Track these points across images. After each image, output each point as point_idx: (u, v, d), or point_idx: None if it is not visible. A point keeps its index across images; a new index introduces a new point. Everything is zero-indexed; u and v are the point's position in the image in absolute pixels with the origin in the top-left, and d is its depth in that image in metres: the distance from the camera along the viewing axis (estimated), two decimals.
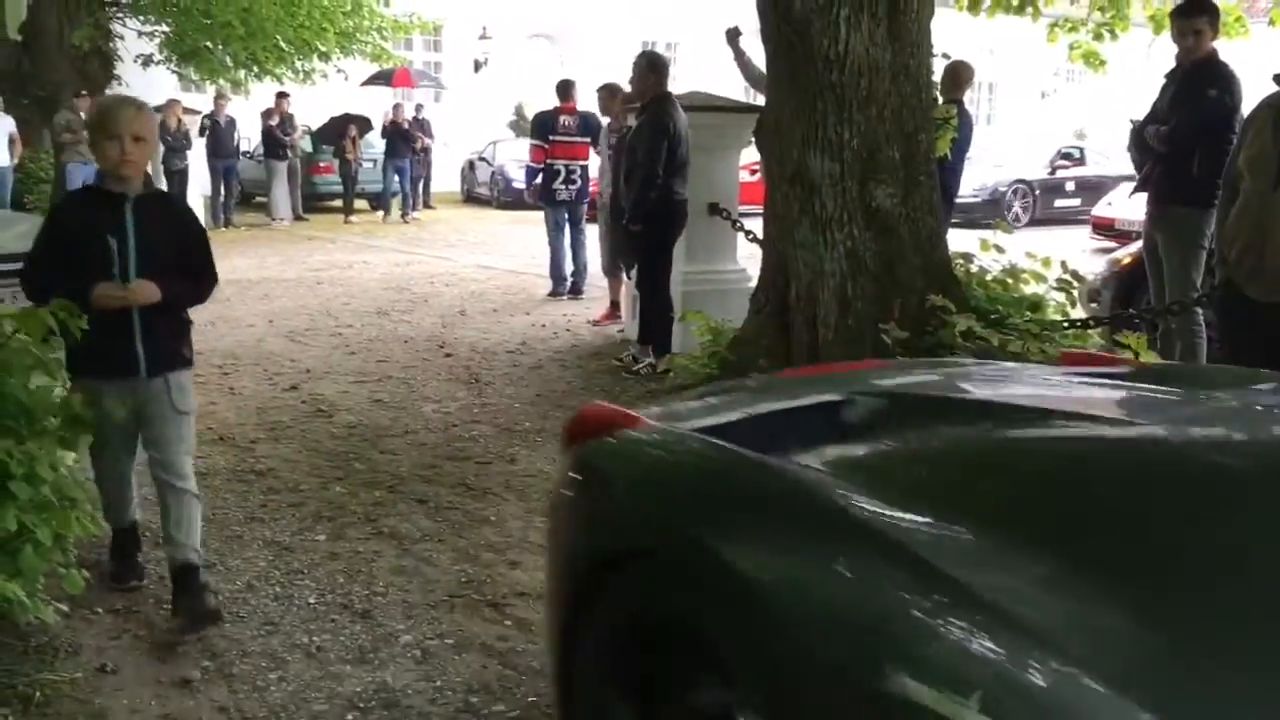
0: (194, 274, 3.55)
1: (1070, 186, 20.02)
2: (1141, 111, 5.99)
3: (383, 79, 20.78)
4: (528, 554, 4.08)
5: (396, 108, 18.86)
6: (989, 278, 5.92)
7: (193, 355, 3.65)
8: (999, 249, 5.95)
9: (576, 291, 10.16)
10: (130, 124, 3.33)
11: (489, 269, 12.47)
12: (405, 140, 18.45)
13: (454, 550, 4.12)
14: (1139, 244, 7.32)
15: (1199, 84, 5.53)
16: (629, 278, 7.87)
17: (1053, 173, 20.05)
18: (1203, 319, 5.63)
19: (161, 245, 3.43)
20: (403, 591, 3.75)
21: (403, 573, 3.90)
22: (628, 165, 7.09)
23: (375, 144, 19.24)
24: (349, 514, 4.48)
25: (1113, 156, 20.86)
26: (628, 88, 7.96)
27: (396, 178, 18.52)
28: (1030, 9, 8.19)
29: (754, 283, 6.42)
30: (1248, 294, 3.91)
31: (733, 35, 7.94)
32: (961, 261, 5.94)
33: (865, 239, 5.43)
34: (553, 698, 2.37)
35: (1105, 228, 16.21)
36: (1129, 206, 14.59)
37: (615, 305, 8.78)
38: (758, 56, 7.01)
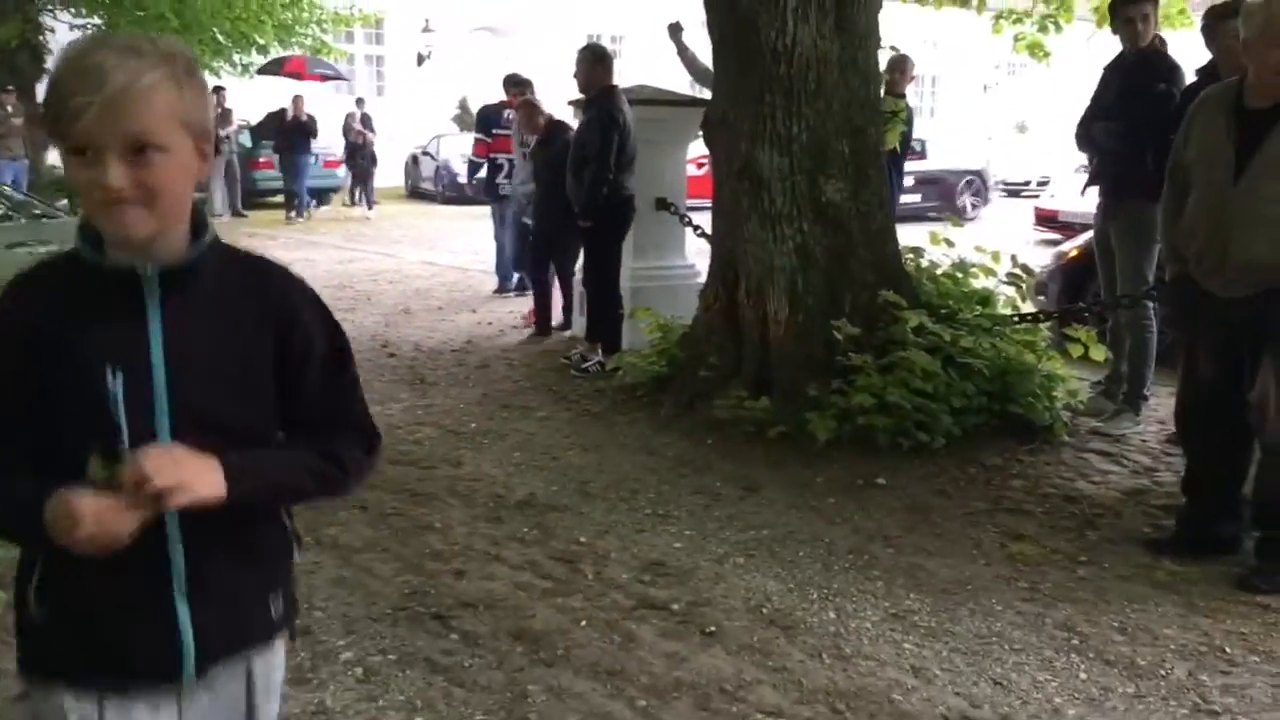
0: (319, 432, 1.63)
1: (909, 181, 19.44)
2: (1083, 102, 5.92)
3: (274, 67, 19.69)
4: (473, 562, 3.95)
5: (297, 100, 18.05)
6: (939, 272, 5.88)
7: (297, 608, 1.75)
8: (949, 243, 5.91)
9: (523, 288, 10.01)
10: (117, 121, 1.37)
11: (433, 265, 12.28)
12: (306, 135, 17.66)
13: (397, 560, 3.97)
14: (1085, 236, 7.32)
15: (1147, 77, 5.47)
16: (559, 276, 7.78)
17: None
18: (1153, 312, 5.61)
19: (227, 373, 1.52)
20: (344, 605, 3.60)
21: (343, 584, 3.75)
22: (575, 160, 6.96)
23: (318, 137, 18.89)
24: None
25: (957, 151, 20.50)
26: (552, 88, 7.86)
27: (308, 176, 17.57)
28: (976, 1, 8.18)
29: (703, 278, 6.33)
30: (1207, 289, 3.86)
31: (675, 30, 7.81)
32: (911, 256, 5.89)
33: (815, 234, 5.37)
34: None
35: (1048, 219, 16.34)
36: (1072, 198, 14.73)
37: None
38: (701, 50, 6.92)
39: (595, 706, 2.99)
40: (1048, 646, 3.40)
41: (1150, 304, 5.52)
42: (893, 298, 5.27)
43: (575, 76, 7.11)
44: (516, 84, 9.15)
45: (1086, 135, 5.82)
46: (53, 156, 18.56)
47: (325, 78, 20.78)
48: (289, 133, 17.73)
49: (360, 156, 18.79)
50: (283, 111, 18.81)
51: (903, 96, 7.49)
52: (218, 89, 17.60)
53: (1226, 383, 3.92)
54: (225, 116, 17.63)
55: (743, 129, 5.46)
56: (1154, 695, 3.13)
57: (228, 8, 16.08)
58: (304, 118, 17.83)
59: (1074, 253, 7.39)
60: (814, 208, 5.34)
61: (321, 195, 19.80)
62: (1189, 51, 6.01)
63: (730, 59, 5.57)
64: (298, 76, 19.82)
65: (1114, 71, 5.71)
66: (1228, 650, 3.38)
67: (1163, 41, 5.80)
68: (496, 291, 10.04)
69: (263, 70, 19.57)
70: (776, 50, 5.28)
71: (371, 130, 19.56)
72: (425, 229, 16.54)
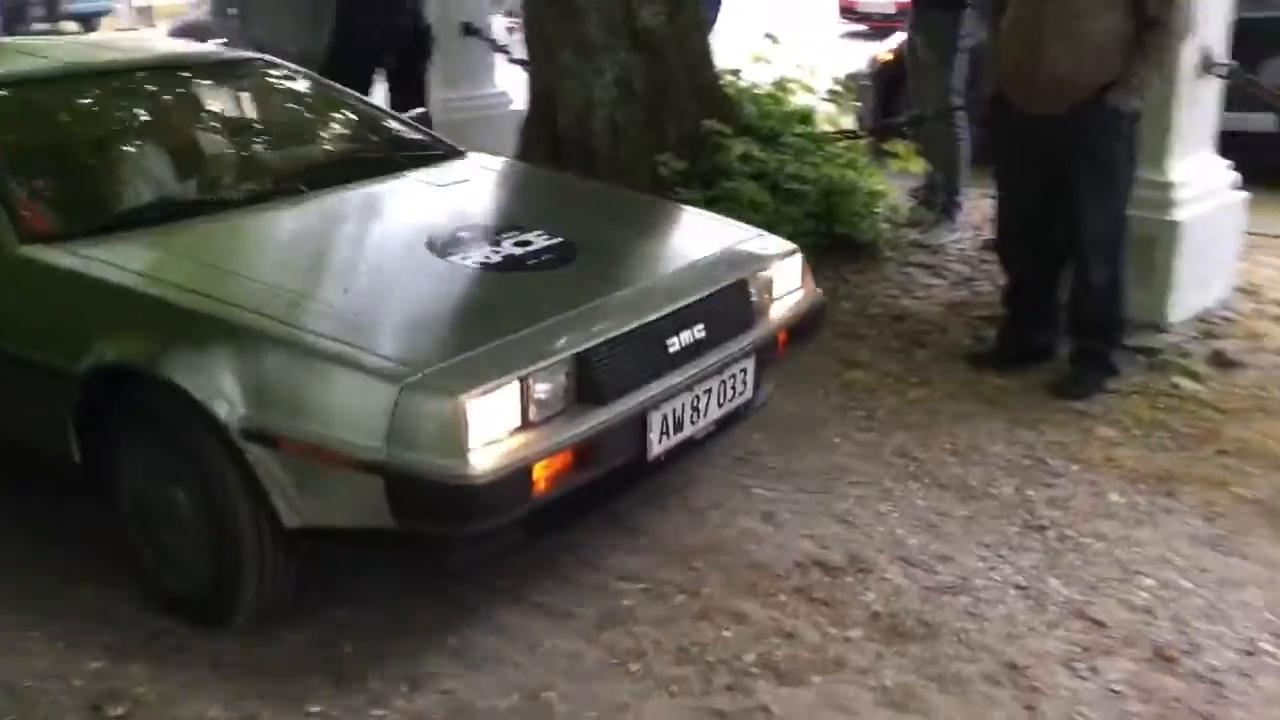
0: None
1: None
2: None
3: None
4: None
5: None
6: (759, 92, 5.78)
7: None
8: (767, 61, 5.81)
9: None
10: None
11: None
12: None
13: None
14: (899, 37, 7.33)
15: None
16: None
17: None
18: (962, 123, 5.67)
19: None
20: None
21: None
22: None
23: None
24: None
25: None
26: None
27: None
28: None
29: (516, 106, 6.08)
30: (1018, 107, 3.90)
31: None
32: (730, 78, 5.77)
33: (633, 63, 5.18)
34: None
35: (849, 10, 16.38)
36: None
37: None
38: None
39: None
40: (886, 475, 3.53)
41: (957, 115, 5.58)
42: (716, 125, 5.18)
43: None
44: None
45: None
46: None
47: None
48: None
49: None
50: None
51: None
52: None
53: (1041, 200, 4.02)
54: None
55: None
56: (985, 515, 3.30)
57: None
58: None
59: (889, 56, 7.39)
60: (631, 36, 5.14)
61: (87, 19, 18.36)
62: None
63: None
64: None
65: None
66: (1049, 462, 3.59)
67: None
68: None
69: None
70: None
71: None
72: None
